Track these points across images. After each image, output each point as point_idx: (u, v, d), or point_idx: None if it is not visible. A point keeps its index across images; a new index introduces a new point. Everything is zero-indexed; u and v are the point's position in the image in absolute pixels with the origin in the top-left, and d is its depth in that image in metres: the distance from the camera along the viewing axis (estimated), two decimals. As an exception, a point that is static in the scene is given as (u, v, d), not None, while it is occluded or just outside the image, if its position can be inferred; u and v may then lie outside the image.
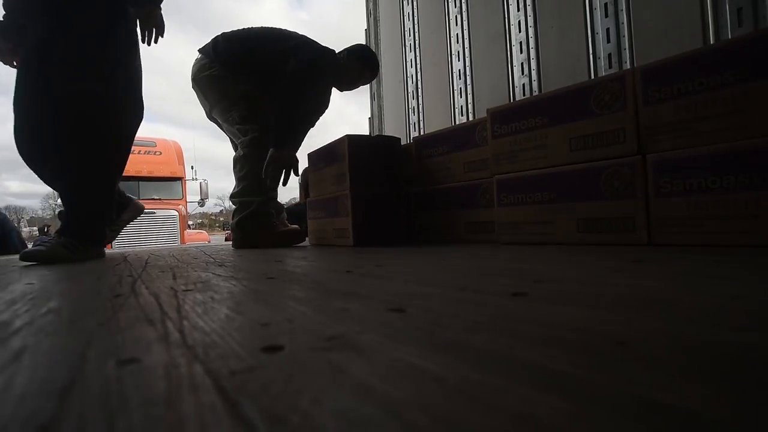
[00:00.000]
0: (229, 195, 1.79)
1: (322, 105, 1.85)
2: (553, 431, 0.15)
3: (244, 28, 1.74)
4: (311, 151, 1.78)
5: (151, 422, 0.18)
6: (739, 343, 0.24)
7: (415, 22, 2.70)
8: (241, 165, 1.69)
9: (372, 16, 3.21)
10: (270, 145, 1.56)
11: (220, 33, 1.73)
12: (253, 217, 1.68)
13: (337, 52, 1.77)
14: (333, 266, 0.78)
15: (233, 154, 1.88)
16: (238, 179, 1.70)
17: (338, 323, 0.33)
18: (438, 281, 0.54)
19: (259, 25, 1.80)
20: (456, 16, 2.36)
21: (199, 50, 1.74)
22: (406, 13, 2.78)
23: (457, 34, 2.35)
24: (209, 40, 1.73)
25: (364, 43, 1.99)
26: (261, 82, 1.66)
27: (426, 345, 0.27)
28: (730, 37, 1.32)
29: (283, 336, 0.30)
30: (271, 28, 1.75)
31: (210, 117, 1.86)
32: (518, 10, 1.99)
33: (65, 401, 0.20)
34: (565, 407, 0.17)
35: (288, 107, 1.55)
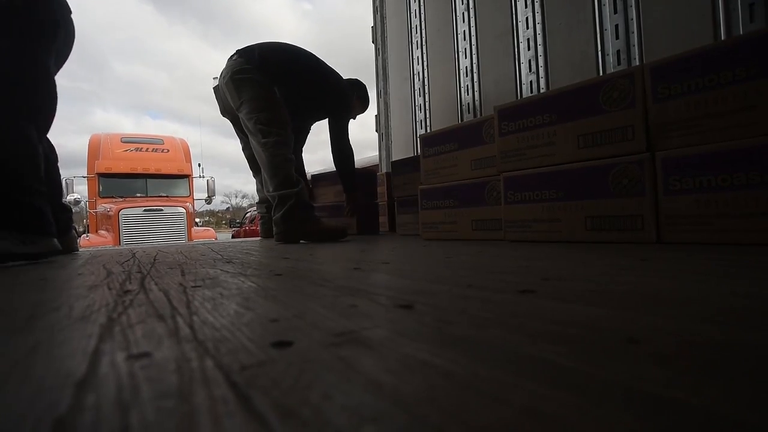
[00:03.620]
0: (268, 193, 1.85)
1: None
2: (562, 427, 0.15)
3: (283, 43, 1.99)
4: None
5: (164, 414, 0.18)
6: (750, 342, 0.24)
7: (422, 19, 2.69)
8: (269, 166, 1.77)
9: (379, 13, 3.20)
10: (347, 191, 2.18)
11: (259, 42, 1.94)
12: (296, 209, 1.72)
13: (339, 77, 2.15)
14: (340, 263, 0.78)
15: (241, 151, 2.20)
16: (271, 178, 1.77)
17: (347, 319, 0.33)
18: (445, 278, 0.54)
19: (285, 41, 2.18)
20: (463, 13, 2.34)
21: (239, 51, 1.86)
22: (412, 10, 2.77)
23: (464, 30, 2.34)
24: (249, 45, 1.89)
25: (355, 78, 2.37)
26: (287, 95, 1.88)
27: (434, 341, 0.27)
28: (741, 33, 1.31)
29: (293, 332, 0.30)
30: (308, 53, 2.02)
31: (225, 114, 2.05)
32: (525, 7, 1.98)
33: (81, 394, 0.21)
34: (574, 403, 0.17)
35: (349, 167, 2.12)
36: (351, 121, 2.30)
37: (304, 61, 1.97)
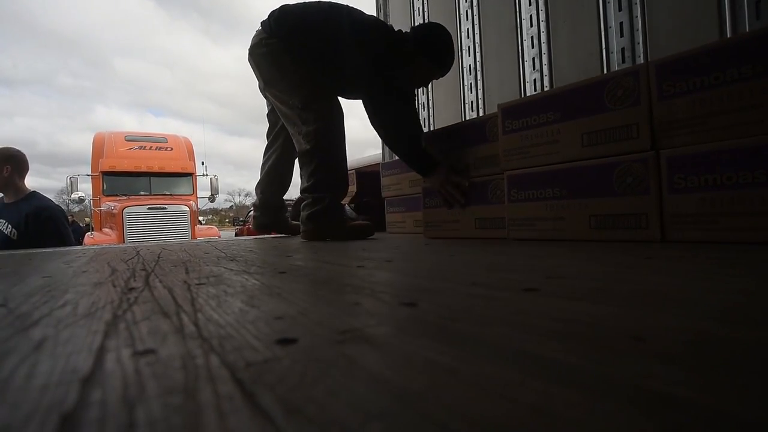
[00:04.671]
0: (301, 189, 1.70)
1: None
2: (568, 424, 0.15)
3: (301, 3, 1.61)
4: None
5: (170, 410, 0.18)
6: (756, 340, 0.24)
7: (426, 17, 2.69)
8: (308, 159, 1.60)
9: (382, 11, 3.19)
10: (423, 175, 1.47)
11: (278, 7, 1.62)
12: (326, 212, 1.61)
13: (403, 31, 1.57)
14: (343, 261, 0.78)
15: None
16: (309, 174, 1.61)
17: (351, 317, 0.33)
18: (448, 276, 0.54)
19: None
20: (467, 11, 2.34)
21: (262, 22, 1.62)
22: (416, 8, 2.77)
23: (467, 29, 2.34)
24: (269, 13, 1.62)
25: (432, 23, 1.63)
26: (322, 60, 1.55)
27: (439, 338, 0.27)
28: (747, 30, 1.30)
29: (297, 329, 0.30)
30: (328, 2, 1.60)
31: (263, 92, 1.79)
32: (530, 5, 1.97)
33: (87, 390, 0.21)
34: (580, 401, 0.17)
35: (400, 143, 1.49)
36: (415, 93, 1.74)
37: (336, 18, 1.52)
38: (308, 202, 1.64)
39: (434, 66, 1.54)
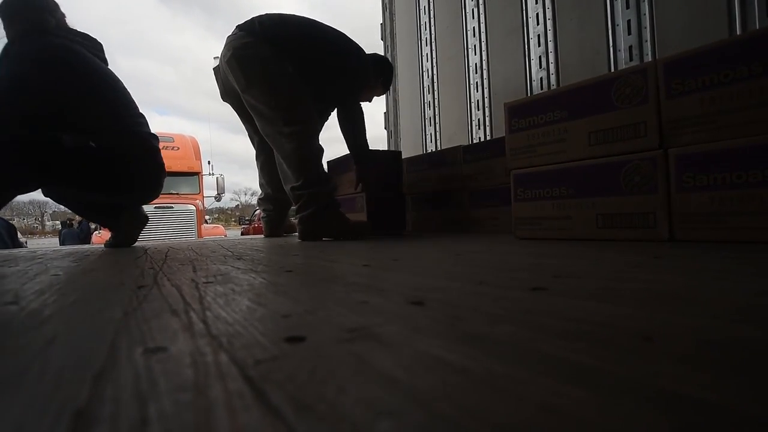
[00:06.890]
0: (290, 188, 1.67)
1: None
2: (579, 423, 0.15)
3: (289, 15, 1.71)
4: (330, 159, 1.99)
5: (181, 407, 0.18)
6: (766, 339, 0.24)
7: (431, 15, 2.68)
8: (297, 157, 1.60)
9: (388, 10, 3.19)
10: (357, 161, 1.76)
11: (258, 15, 1.68)
12: (326, 209, 1.60)
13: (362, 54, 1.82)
14: (350, 260, 0.78)
15: (248, 143, 2.03)
16: (297, 172, 1.60)
17: (359, 315, 0.34)
18: (456, 275, 0.53)
19: (289, 13, 1.79)
20: (472, 10, 2.33)
21: (239, 26, 1.64)
22: (422, 7, 2.77)
23: (473, 27, 2.33)
24: (248, 19, 1.66)
25: (381, 53, 2.07)
26: (303, 68, 1.63)
27: (448, 337, 0.27)
28: (757, 27, 1.28)
29: (305, 327, 0.31)
30: (314, 20, 1.73)
31: (227, 98, 1.83)
32: (536, 3, 1.96)
33: (99, 386, 0.21)
34: (591, 400, 0.17)
35: (361, 136, 1.76)
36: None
37: (322, 36, 1.68)
38: (305, 201, 1.61)
39: (382, 89, 1.98)
